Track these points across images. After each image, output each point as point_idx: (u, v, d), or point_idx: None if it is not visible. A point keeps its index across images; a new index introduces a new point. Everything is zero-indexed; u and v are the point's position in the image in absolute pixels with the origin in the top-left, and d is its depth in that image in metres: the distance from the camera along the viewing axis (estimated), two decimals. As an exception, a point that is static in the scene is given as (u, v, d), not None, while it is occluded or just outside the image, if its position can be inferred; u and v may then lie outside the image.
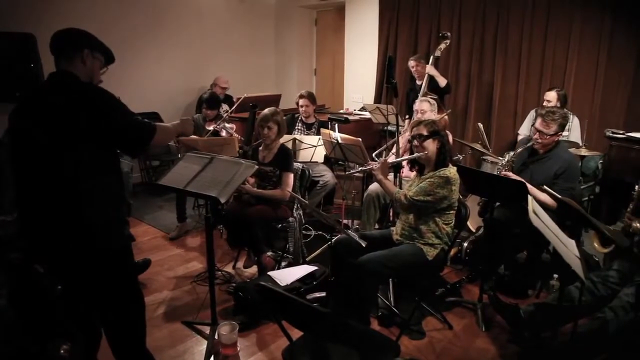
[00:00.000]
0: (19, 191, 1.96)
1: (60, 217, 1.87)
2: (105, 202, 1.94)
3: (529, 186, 2.97)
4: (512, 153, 3.44)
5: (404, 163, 3.36)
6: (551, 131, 3.15)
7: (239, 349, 2.75)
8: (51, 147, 1.83)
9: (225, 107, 5.84)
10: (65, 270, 2.00)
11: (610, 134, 4.30)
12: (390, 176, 3.39)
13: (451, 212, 2.86)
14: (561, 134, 3.24)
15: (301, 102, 4.73)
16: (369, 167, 3.09)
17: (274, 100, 5.76)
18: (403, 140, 3.90)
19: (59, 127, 1.82)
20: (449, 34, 5.03)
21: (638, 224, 2.37)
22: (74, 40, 1.99)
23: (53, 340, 2.24)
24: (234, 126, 4.70)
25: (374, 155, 4.09)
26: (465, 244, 3.87)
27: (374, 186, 3.92)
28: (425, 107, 3.97)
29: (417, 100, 4.13)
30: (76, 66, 1.96)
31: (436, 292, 3.38)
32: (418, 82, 5.22)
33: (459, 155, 4.46)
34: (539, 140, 3.20)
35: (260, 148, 3.70)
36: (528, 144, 3.29)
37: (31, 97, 1.95)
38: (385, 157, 3.21)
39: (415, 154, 2.89)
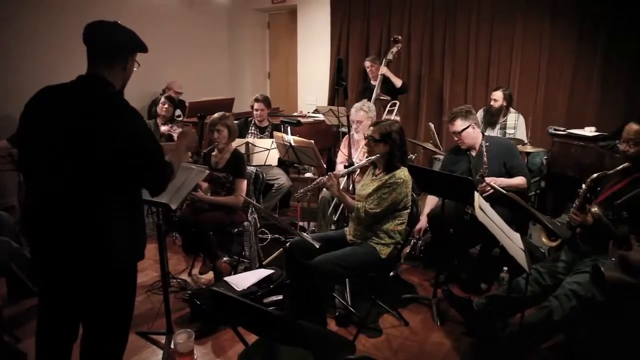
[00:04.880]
0: (32, 196, 1.83)
1: (80, 231, 1.74)
2: (129, 218, 1.84)
3: (501, 179, 3.19)
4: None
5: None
6: (457, 127, 3.31)
7: (196, 357, 2.70)
8: (73, 165, 1.69)
9: (178, 112, 5.76)
10: (69, 282, 1.85)
11: (553, 131, 4.50)
12: (343, 179, 3.42)
13: (405, 211, 2.91)
14: (474, 125, 3.36)
15: (256, 105, 4.72)
16: (320, 183, 3.05)
17: (227, 104, 5.68)
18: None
19: (84, 148, 1.68)
20: (400, 37, 5.14)
21: (596, 209, 2.46)
22: (122, 47, 1.84)
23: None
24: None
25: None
26: (420, 241, 3.95)
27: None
28: (361, 117, 3.86)
29: (352, 110, 3.99)
30: (115, 73, 1.82)
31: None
32: (373, 83, 5.30)
33: (411, 155, 4.55)
34: (460, 141, 3.39)
35: (214, 153, 3.66)
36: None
37: (55, 107, 1.74)
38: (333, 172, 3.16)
39: (365, 160, 2.94)
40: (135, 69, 1.95)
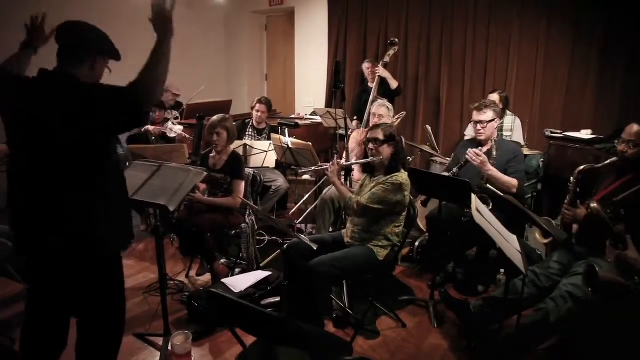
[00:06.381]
0: (14, 190, 1.85)
1: (58, 222, 1.78)
2: (106, 209, 1.85)
3: (496, 171, 3.19)
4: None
5: (355, 166, 3.41)
6: (487, 117, 3.33)
7: (193, 358, 2.70)
8: (47, 153, 1.74)
9: (175, 113, 5.76)
10: (56, 275, 1.88)
11: (549, 134, 4.51)
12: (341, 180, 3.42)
13: (402, 215, 2.92)
14: (497, 121, 3.43)
15: (258, 107, 4.72)
16: (323, 168, 3.11)
17: (225, 106, 5.71)
18: (352, 141, 3.96)
19: (55, 134, 1.72)
20: (397, 40, 5.15)
21: (595, 205, 2.47)
22: (85, 42, 1.85)
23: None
24: (182, 127, 4.69)
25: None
26: (417, 243, 3.96)
27: (328, 191, 3.96)
28: (383, 112, 3.94)
29: (375, 104, 4.13)
30: (82, 71, 1.82)
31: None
32: (370, 85, 5.31)
33: (408, 157, 4.56)
34: (481, 131, 3.37)
35: (212, 154, 3.66)
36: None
37: (18, 97, 1.79)
38: (337, 159, 3.24)
39: (370, 159, 2.92)
40: (106, 73, 1.96)
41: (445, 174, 3.49)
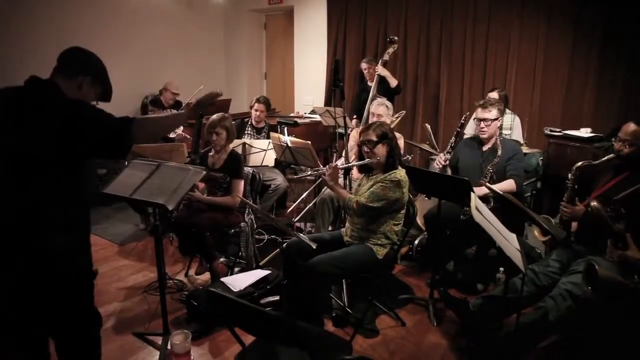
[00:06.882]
0: None
1: (18, 242, 1.76)
2: (65, 230, 1.85)
3: (492, 186, 3.12)
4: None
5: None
6: (492, 115, 3.34)
7: (192, 357, 2.70)
8: (19, 169, 1.72)
9: (174, 112, 5.77)
10: (22, 296, 1.85)
11: (549, 132, 4.52)
12: (340, 179, 3.42)
13: (401, 212, 2.92)
14: (501, 120, 3.46)
15: (257, 106, 4.72)
16: (319, 172, 3.11)
17: (224, 105, 5.71)
18: (351, 140, 3.96)
19: (32, 148, 1.71)
20: (396, 38, 5.15)
21: (595, 203, 2.46)
22: (82, 62, 1.91)
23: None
24: (181, 126, 4.70)
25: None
26: (416, 242, 3.96)
27: (327, 190, 3.96)
28: (382, 111, 3.92)
29: (374, 103, 4.12)
30: (69, 86, 1.84)
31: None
32: (369, 84, 5.31)
33: (407, 156, 4.55)
34: (485, 129, 3.36)
35: (211, 153, 3.66)
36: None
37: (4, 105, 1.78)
38: (335, 161, 3.24)
39: (367, 160, 2.92)
40: (93, 102, 1.97)
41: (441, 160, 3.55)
